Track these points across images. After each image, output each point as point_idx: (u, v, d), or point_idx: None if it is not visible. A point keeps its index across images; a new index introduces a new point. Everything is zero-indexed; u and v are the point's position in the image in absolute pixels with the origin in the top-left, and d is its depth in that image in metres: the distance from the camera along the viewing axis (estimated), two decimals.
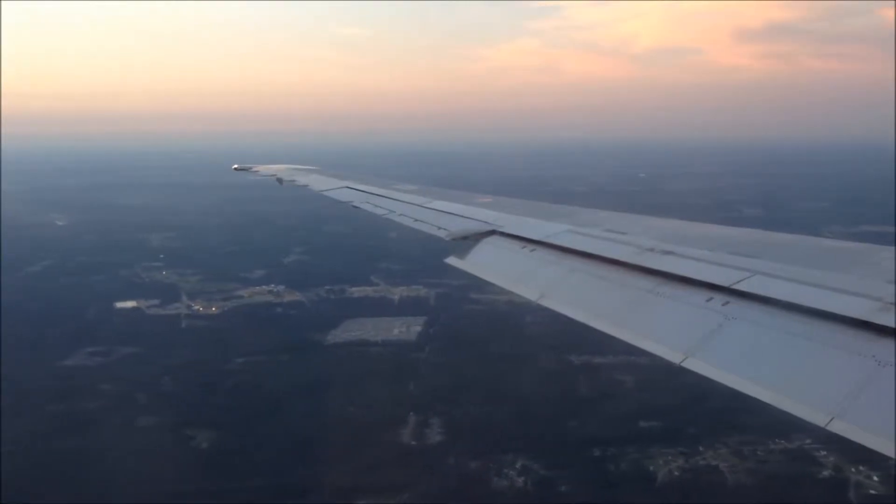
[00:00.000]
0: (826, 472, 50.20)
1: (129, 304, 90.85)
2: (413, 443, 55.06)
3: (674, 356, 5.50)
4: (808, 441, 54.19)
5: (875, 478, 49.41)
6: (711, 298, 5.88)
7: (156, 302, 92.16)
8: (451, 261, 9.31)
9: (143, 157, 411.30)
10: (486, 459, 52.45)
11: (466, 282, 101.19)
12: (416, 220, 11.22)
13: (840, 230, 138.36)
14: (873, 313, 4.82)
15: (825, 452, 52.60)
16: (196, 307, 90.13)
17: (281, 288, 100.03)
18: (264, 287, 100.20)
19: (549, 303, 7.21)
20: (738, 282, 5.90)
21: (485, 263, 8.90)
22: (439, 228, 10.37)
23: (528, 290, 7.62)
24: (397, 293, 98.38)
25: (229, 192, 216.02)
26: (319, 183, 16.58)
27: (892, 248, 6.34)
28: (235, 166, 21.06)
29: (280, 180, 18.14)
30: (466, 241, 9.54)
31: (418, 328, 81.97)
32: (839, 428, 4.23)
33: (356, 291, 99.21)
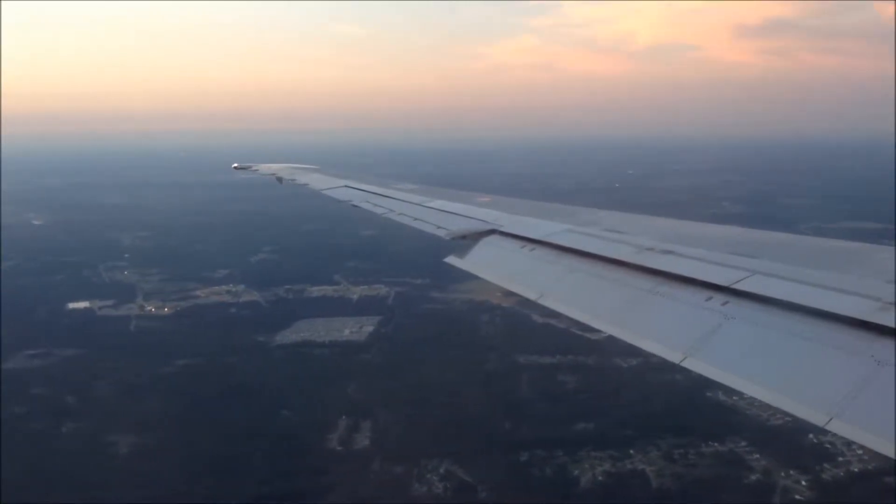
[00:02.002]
0: (754, 477, 48.92)
1: (82, 304, 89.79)
2: (339, 448, 53.83)
3: (673, 356, 5.47)
4: (742, 444, 53.05)
5: (803, 482, 48.18)
6: (711, 298, 5.86)
7: (110, 302, 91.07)
8: (451, 260, 9.16)
9: (142, 156, 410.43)
10: (411, 464, 51.21)
11: (428, 281, 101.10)
12: (416, 220, 11.11)
13: (819, 226, 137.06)
14: (872, 313, 4.78)
15: (758, 456, 51.41)
16: (149, 308, 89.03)
17: (240, 288, 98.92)
18: (222, 287, 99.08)
19: (548, 302, 7.16)
20: (738, 281, 5.88)
21: (484, 262, 8.82)
22: (438, 227, 10.30)
23: (527, 290, 7.57)
24: (357, 292, 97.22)
25: (220, 191, 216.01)
26: (319, 182, 16.50)
27: (892, 247, 6.27)
28: (235, 165, 20.90)
29: (280, 179, 18.03)
30: (466, 241, 9.46)
31: (370, 328, 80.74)
32: (838, 428, 4.17)
33: (316, 291, 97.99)
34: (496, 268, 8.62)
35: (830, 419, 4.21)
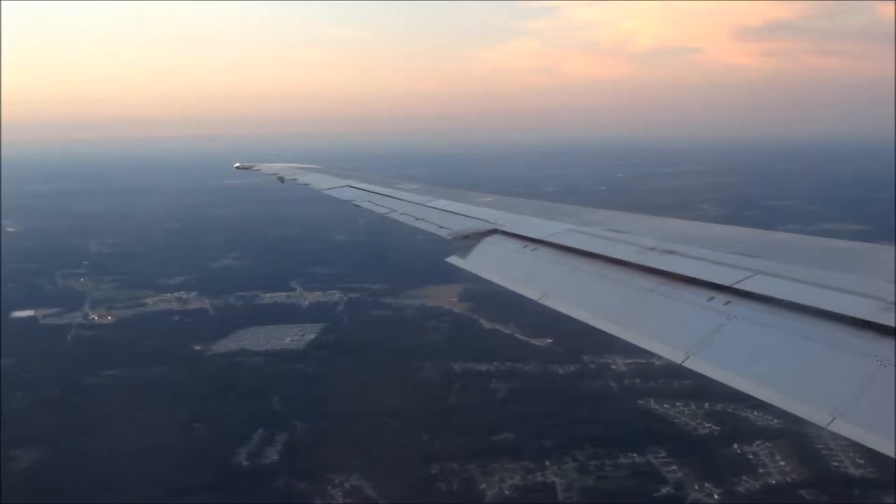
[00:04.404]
0: (665, 490, 47.07)
1: (27, 313, 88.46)
2: (245, 463, 52.14)
3: (675, 356, 5.42)
4: (662, 455, 51.25)
5: (716, 496, 46.26)
6: (713, 298, 5.85)
7: (55, 311, 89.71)
8: (453, 260, 9.11)
9: (141, 161, 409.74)
10: (318, 479, 49.65)
11: (386, 286, 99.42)
12: (418, 219, 11.04)
13: (796, 228, 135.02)
14: (875, 313, 4.77)
15: (675, 467, 49.63)
16: (92, 316, 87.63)
17: (192, 295, 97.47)
18: (173, 294, 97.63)
19: (550, 302, 7.08)
20: (740, 281, 5.87)
21: (486, 263, 8.80)
22: (441, 227, 10.24)
23: (529, 290, 7.50)
24: (310, 299, 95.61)
25: (210, 196, 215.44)
26: (321, 182, 16.37)
27: (893, 247, 6.20)
28: (237, 165, 21.06)
29: (282, 179, 17.98)
30: (468, 241, 9.37)
31: (312, 336, 79.08)
32: (841, 428, 4.14)
33: (268, 297, 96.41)
34: (498, 268, 8.59)
35: (833, 419, 4.17)
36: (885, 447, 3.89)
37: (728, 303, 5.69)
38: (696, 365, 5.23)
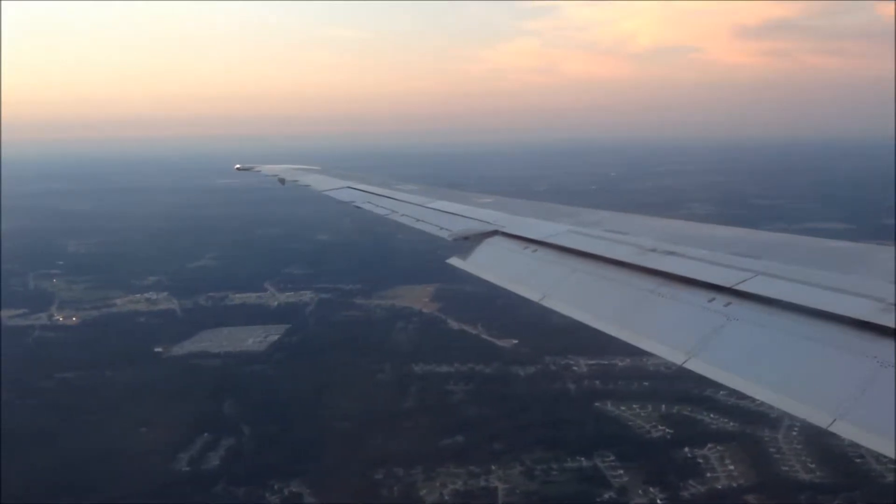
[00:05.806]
0: (608, 494, 45.98)
1: None
2: (185, 468, 51.13)
3: (676, 357, 5.38)
4: (610, 458, 50.13)
5: (659, 500, 45.08)
6: (713, 299, 5.83)
7: (21, 312, 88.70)
8: (454, 261, 9.08)
9: (140, 161, 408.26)
10: (257, 486, 48.63)
11: (359, 286, 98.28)
12: (418, 220, 11.01)
13: (782, 227, 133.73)
14: (875, 314, 4.75)
15: (622, 471, 48.50)
16: (57, 317, 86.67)
17: (162, 295, 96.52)
18: (143, 295, 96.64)
19: (550, 303, 7.08)
20: (741, 282, 5.84)
21: (486, 264, 8.80)
22: (441, 228, 10.22)
23: (529, 291, 7.50)
24: (280, 299, 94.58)
25: (203, 195, 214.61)
26: (321, 183, 16.40)
27: (893, 248, 6.21)
28: (238, 166, 21.15)
29: (282, 180, 18.07)
30: (468, 242, 9.36)
31: (275, 338, 77.99)
32: (841, 429, 4.13)
33: (238, 298, 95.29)
34: (498, 269, 8.56)
35: (834, 420, 4.15)
36: (886, 448, 3.86)
37: (729, 304, 5.67)
38: (697, 366, 5.19)
